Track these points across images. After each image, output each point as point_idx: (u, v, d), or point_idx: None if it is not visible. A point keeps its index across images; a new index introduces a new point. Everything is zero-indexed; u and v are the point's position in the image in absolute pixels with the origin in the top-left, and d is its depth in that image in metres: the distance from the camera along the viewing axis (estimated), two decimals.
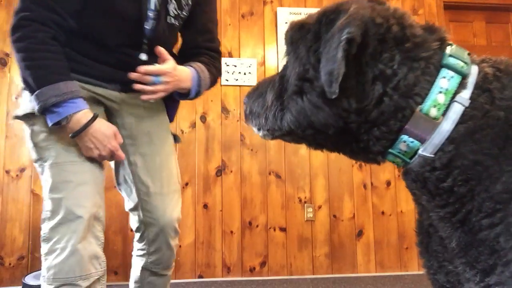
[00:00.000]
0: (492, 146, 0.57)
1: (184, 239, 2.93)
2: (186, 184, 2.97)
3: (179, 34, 1.34)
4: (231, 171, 3.02)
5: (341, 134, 0.66)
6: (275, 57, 3.18)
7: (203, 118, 3.04)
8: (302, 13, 3.23)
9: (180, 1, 1.20)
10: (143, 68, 1.08)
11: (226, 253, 2.95)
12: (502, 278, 0.54)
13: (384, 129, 0.63)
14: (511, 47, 3.59)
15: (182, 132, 2.99)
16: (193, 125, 3.01)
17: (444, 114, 0.60)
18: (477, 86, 0.60)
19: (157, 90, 1.11)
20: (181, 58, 1.27)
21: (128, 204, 1.32)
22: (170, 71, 1.12)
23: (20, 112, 1.11)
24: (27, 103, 1.08)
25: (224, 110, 3.07)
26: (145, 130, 1.26)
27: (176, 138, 1.39)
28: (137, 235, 1.35)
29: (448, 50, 0.66)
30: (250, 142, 3.04)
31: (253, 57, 3.15)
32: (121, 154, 1.13)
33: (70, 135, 1.03)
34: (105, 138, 1.05)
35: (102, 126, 1.06)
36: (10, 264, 2.74)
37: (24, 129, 1.14)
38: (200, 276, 2.91)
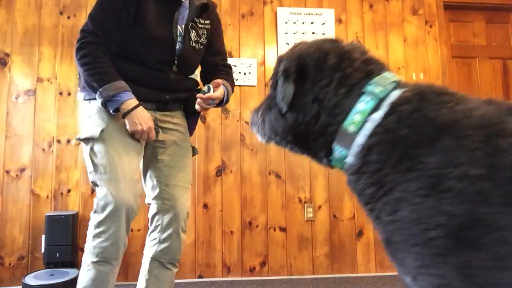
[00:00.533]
0: (389, 158, 0.69)
1: None
2: None
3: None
4: (231, 171, 3.02)
5: (300, 141, 0.87)
6: (275, 57, 3.17)
7: (203, 118, 3.04)
8: (302, 13, 3.23)
9: (198, 31, 1.61)
10: (205, 96, 1.49)
11: (226, 253, 2.95)
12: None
13: (323, 140, 0.82)
14: (511, 47, 3.59)
15: None
16: None
17: (360, 130, 0.75)
18: (390, 108, 0.73)
19: (209, 107, 1.56)
20: (206, 74, 1.70)
21: (150, 195, 1.62)
22: (220, 97, 1.55)
23: (82, 136, 1.48)
24: (88, 128, 1.47)
25: (224, 110, 3.07)
26: (172, 139, 1.63)
27: (194, 151, 1.76)
28: (151, 226, 1.63)
29: (374, 79, 0.79)
30: (250, 142, 3.04)
31: (253, 57, 3.15)
32: (153, 134, 1.49)
33: (123, 115, 1.41)
34: (146, 118, 1.44)
35: (144, 112, 1.45)
36: (10, 264, 2.74)
37: (83, 147, 1.50)
38: (200, 276, 2.91)
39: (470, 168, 0.62)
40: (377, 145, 0.72)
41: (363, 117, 0.75)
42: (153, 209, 1.62)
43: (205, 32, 1.64)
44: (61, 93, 2.92)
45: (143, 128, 1.43)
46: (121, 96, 1.39)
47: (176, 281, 2.86)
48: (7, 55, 2.91)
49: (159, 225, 1.60)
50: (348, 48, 0.85)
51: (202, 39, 1.63)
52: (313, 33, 3.23)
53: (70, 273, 2.48)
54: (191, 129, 1.74)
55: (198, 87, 1.68)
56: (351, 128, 0.76)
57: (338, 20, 3.28)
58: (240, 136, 3.04)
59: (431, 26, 3.37)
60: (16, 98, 2.88)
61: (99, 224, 1.44)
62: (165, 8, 1.53)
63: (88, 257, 1.44)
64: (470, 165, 0.62)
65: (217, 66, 1.70)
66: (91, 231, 1.47)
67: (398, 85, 0.79)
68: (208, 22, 1.66)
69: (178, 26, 1.55)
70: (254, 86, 3.12)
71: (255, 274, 2.95)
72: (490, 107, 0.69)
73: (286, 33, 3.20)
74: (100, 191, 1.44)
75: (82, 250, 2.79)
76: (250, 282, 2.83)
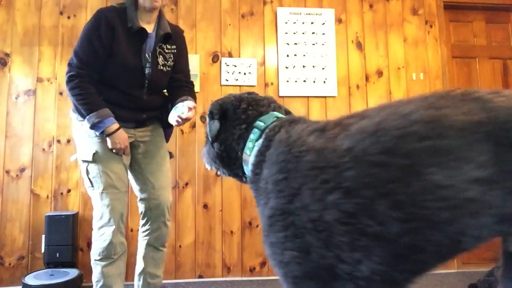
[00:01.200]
0: (264, 173, 0.98)
1: (184, 239, 2.93)
2: (186, 184, 2.97)
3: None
4: None
5: (225, 165, 1.19)
6: (275, 57, 3.18)
7: (203, 118, 3.04)
8: (302, 13, 3.23)
9: (165, 55, 1.92)
10: (184, 116, 1.78)
11: (226, 253, 2.95)
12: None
13: (238, 163, 1.12)
14: (511, 47, 3.59)
15: (182, 133, 2.99)
16: (193, 125, 3.01)
17: (251, 153, 1.05)
18: (266, 137, 1.03)
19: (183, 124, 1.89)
20: (171, 89, 2.00)
21: (139, 196, 2.00)
22: (192, 117, 1.85)
23: (79, 157, 1.85)
24: (83, 151, 1.82)
25: None
26: (151, 149, 1.97)
27: (171, 155, 2.10)
28: (142, 221, 2.00)
29: (262, 117, 1.10)
30: None
31: (253, 57, 3.15)
32: (128, 150, 1.86)
33: (106, 135, 1.76)
34: (123, 139, 1.81)
35: (123, 133, 1.81)
36: (10, 264, 2.74)
37: (81, 166, 1.87)
38: (200, 276, 2.91)
39: (278, 174, 0.91)
40: (256, 164, 1.02)
41: (252, 144, 1.06)
42: (142, 207, 2.00)
43: (171, 55, 1.95)
44: (61, 93, 2.92)
45: (121, 146, 1.80)
46: (105, 123, 1.74)
47: (176, 281, 2.87)
48: (7, 55, 2.91)
49: (149, 219, 1.98)
50: (258, 97, 1.20)
51: (169, 62, 1.94)
52: (313, 33, 3.23)
53: (70, 273, 2.49)
54: (167, 136, 2.08)
55: (175, 104, 1.88)
56: (247, 152, 1.07)
57: (338, 20, 3.28)
58: None
59: (431, 26, 3.37)
60: (16, 98, 2.89)
61: (99, 229, 1.82)
62: (135, 40, 1.83)
63: (92, 256, 1.83)
64: (278, 172, 0.91)
65: (181, 82, 2.01)
66: (94, 235, 1.84)
67: (276, 120, 1.08)
68: (174, 46, 1.96)
69: (146, 54, 1.85)
70: (254, 86, 3.12)
71: (255, 274, 2.95)
72: (302, 126, 0.97)
73: (286, 33, 3.21)
74: (97, 203, 1.83)
75: (82, 250, 2.80)
76: (250, 282, 2.83)
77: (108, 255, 1.79)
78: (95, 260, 1.81)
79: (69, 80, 1.75)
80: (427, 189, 0.73)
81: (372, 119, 0.82)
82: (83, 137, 1.83)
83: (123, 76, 1.82)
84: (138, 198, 2.01)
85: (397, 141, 0.76)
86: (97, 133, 1.77)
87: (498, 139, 0.72)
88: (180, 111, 1.79)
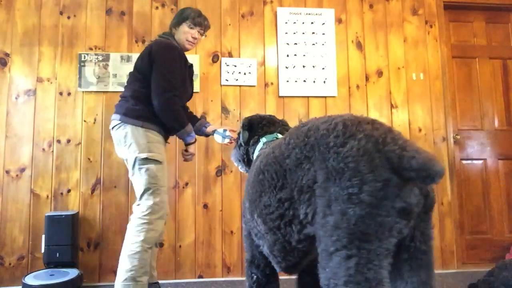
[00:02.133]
0: (247, 181, 1.39)
1: (184, 239, 2.93)
2: (186, 184, 2.97)
3: None
4: (231, 171, 3.02)
5: (246, 161, 1.70)
6: (275, 57, 3.18)
7: (203, 118, 3.04)
8: (302, 13, 3.23)
9: (191, 82, 2.42)
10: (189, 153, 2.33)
11: (226, 253, 2.95)
12: None
13: (252, 156, 1.63)
14: (511, 47, 3.59)
15: None
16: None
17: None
18: (259, 153, 1.47)
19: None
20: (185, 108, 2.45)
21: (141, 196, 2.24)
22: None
23: (150, 156, 2.08)
24: (153, 152, 2.10)
25: (224, 110, 3.07)
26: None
27: None
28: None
29: (266, 135, 1.58)
30: None
31: (253, 57, 3.15)
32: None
33: (189, 144, 2.26)
34: (193, 149, 2.31)
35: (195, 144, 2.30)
36: (10, 264, 2.74)
37: (145, 164, 2.09)
38: (200, 276, 2.91)
39: (254, 175, 1.26)
40: (260, 161, 1.29)
41: (258, 149, 1.54)
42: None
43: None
44: (61, 93, 2.92)
45: (193, 154, 2.31)
46: (192, 136, 2.23)
47: (176, 281, 2.87)
48: (7, 55, 2.91)
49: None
50: (274, 119, 1.68)
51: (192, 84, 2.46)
52: (313, 33, 3.23)
53: (70, 273, 2.49)
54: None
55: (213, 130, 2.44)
56: (256, 154, 1.55)
57: (338, 20, 3.28)
58: None
59: (431, 26, 3.37)
60: (16, 98, 2.89)
61: (154, 221, 2.05)
62: (189, 72, 2.32)
63: (141, 245, 2.02)
64: (255, 174, 1.26)
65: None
66: (144, 226, 2.03)
67: (272, 139, 1.54)
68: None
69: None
70: (254, 86, 3.12)
71: None
72: (276, 142, 1.29)
73: (286, 33, 3.20)
74: (156, 198, 2.07)
75: (82, 250, 2.80)
76: None
77: (155, 243, 2.16)
78: (147, 248, 2.02)
79: (174, 101, 2.10)
80: (263, 207, 1.16)
81: (263, 156, 1.27)
82: (153, 142, 2.11)
83: (184, 100, 2.31)
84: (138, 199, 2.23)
85: (257, 173, 1.22)
86: (187, 142, 2.23)
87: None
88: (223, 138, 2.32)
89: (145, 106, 2.10)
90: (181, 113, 2.14)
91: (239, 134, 1.71)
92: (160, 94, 2.06)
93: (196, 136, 2.32)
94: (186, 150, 2.28)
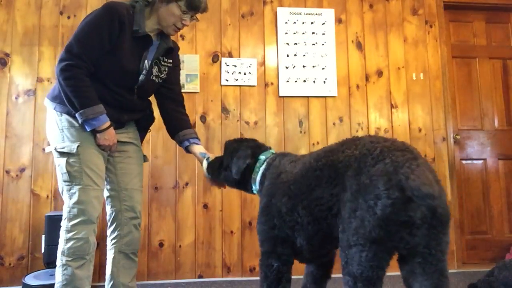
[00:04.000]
0: (266, 183, 1.55)
1: (184, 239, 2.93)
2: (186, 184, 2.97)
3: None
4: None
5: (241, 184, 1.74)
6: (275, 57, 3.18)
7: (203, 118, 3.04)
8: (302, 13, 3.23)
9: (160, 67, 1.92)
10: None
11: (226, 253, 2.95)
12: None
13: (249, 183, 1.69)
14: (511, 47, 3.59)
15: None
16: (193, 125, 3.01)
17: (258, 175, 1.63)
18: (267, 164, 1.62)
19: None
20: (171, 110, 2.01)
21: (109, 197, 1.92)
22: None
23: (58, 148, 1.72)
24: (63, 142, 1.72)
25: (224, 110, 3.07)
26: (127, 150, 1.94)
27: (145, 159, 2.05)
28: (111, 227, 1.90)
29: (264, 152, 1.70)
30: None
31: (253, 57, 3.15)
32: (115, 148, 1.83)
33: (96, 132, 1.71)
34: (113, 136, 1.78)
35: (112, 130, 1.77)
36: (10, 264, 2.74)
37: (57, 158, 1.74)
38: (200, 276, 2.91)
39: (268, 185, 1.52)
40: (262, 179, 1.60)
41: (258, 169, 1.63)
42: (111, 210, 1.91)
43: (166, 69, 1.95)
44: None
45: (110, 143, 1.77)
46: (99, 119, 1.69)
47: (176, 281, 2.87)
48: (7, 55, 2.91)
49: (120, 223, 1.89)
50: (259, 144, 1.77)
51: (162, 75, 1.94)
52: (313, 33, 3.23)
53: None
54: (141, 139, 2.06)
55: (182, 135, 1.99)
56: (256, 175, 1.64)
57: (338, 20, 3.28)
58: (240, 136, 3.04)
59: (431, 26, 3.37)
60: (16, 98, 2.89)
61: (74, 227, 1.69)
62: (139, 45, 1.79)
63: (61, 258, 1.69)
64: (269, 184, 1.52)
65: (175, 94, 2.03)
66: (63, 235, 1.70)
67: (272, 154, 1.67)
68: (171, 61, 1.96)
69: (146, 61, 1.84)
70: (254, 86, 3.12)
71: (255, 274, 2.95)
72: (286, 158, 1.57)
73: (286, 33, 3.21)
74: (73, 199, 1.70)
75: None
76: (250, 282, 2.83)
77: (82, 255, 1.67)
78: (66, 261, 1.66)
79: (66, 69, 1.63)
80: (314, 199, 1.31)
81: (309, 156, 1.43)
82: (65, 128, 1.72)
83: (117, 76, 1.76)
84: (107, 201, 1.91)
85: (307, 171, 1.37)
86: (88, 129, 1.70)
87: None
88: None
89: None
90: (77, 87, 1.64)
91: (230, 162, 1.69)
92: (63, 57, 1.64)
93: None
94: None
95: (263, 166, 1.60)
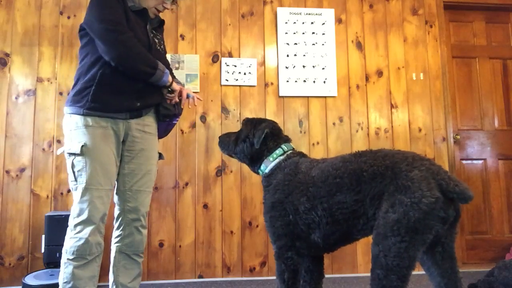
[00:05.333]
0: (278, 175, 1.63)
1: (184, 239, 2.93)
2: (186, 184, 2.97)
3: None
4: (231, 171, 3.02)
5: (253, 158, 1.76)
6: (275, 57, 3.18)
7: (203, 118, 3.04)
8: (302, 13, 3.23)
9: (159, 39, 1.95)
10: (191, 98, 1.92)
11: (226, 253, 2.95)
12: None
13: (261, 160, 1.74)
14: (511, 47, 3.59)
15: (182, 132, 3.00)
16: (193, 125, 3.01)
17: (274, 160, 1.69)
18: (287, 156, 1.69)
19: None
20: None
21: (116, 197, 1.88)
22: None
23: (66, 150, 1.71)
24: (70, 143, 1.70)
25: (224, 110, 3.07)
26: (140, 148, 1.85)
27: (160, 156, 1.98)
28: (115, 224, 1.88)
29: (284, 144, 1.73)
30: None
31: (253, 57, 3.15)
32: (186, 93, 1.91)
33: (168, 83, 1.79)
34: (176, 85, 1.86)
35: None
36: (10, 264, 2.74)
37: (67, 160, 1.73)
38: (200, 276, 2.91)
39: (286, 181, 1.59)
40: (276, 168, 1.66)
41: (276, 156, 1.69)
42: (117, 209, 1.88)
43: (162, 41, 1.97)
44: (61, 93, 2.92)
45: (177, 89, 1.84)
46: (167, 73, 1.76)
47: (176, 281, 2.87)
48: (7, 55, 2.91)
49: (123, 223, 1.86)
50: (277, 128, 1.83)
51: (162, 46, 1.96)
52: (313, 33, 3.23)
53: None
54: (162, 131, 1.98)
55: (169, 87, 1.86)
56: (270, 159, 1.70)
57: (338, 20, 3.28)
58: None
59: (431, 26, 3.37)
60: (16, 98, 2.89)
61: (75, 227, 1.68)
62: (140, 19, 1.81)
63: (64, 255, 1.69)
64: (287, 179, 1.59)
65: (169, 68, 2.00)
66: (67, 233, 1.70)
67: (292, 149, 1.73)
68: (159, 37, 1.97)
69: (149, 33, 1.84)
70: (254, 86, 3.12)
71: (255, 274, 2.95)
72: (305, 159, 1.66)
73: (286, 33, 3.21)
74: (77, 199, 1.68)
75: None
76: (250, 282, 2.83)
77: (82, 254, 1.64)
78: (67, 259, 1.66)
79: (127, 37, 1.63)
80: (336, 203, 1.45)
81: (325, 164, 1.54)
82: (72, 129, 1.70)
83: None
84: (115, 200, 1.89)
85: (327, 178, 1.48)
86: (166, 82, 1.76)
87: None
88: (191, 94, 1.90)
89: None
90: (143, 49, 1.69)
91: (251, 133, 1.73)
92: (105, 35, 1.63)
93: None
94: (171, 92, 1.83)
95: (282, 157, 1.68)
